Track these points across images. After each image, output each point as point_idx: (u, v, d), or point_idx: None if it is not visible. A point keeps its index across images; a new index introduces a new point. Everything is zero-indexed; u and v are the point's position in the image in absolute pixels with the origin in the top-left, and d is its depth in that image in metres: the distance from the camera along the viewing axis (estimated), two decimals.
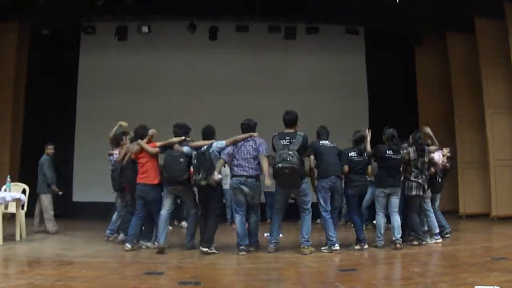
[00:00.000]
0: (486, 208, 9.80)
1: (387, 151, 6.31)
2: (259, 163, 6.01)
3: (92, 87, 11.10)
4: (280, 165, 5.62)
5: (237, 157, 6.02)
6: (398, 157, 6.34)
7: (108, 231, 7.01)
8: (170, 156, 6.05)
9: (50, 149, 8.09)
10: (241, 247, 5.98)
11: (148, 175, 6.21)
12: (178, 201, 6.60)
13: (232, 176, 6.08)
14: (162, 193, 6.23)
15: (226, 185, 9.34)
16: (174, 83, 11.37)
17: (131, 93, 11.14)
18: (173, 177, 5.98)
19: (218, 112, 11.04)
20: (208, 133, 6.22)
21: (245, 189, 5.97)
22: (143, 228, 6.47)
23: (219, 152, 6.04)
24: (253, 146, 6.03)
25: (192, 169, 6.01)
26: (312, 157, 6.15)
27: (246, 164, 5.97)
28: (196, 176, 5.84)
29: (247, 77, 11.46)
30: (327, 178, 6.06)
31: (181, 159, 5.98)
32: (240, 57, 11.44)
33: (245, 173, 5.96)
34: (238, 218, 6.11)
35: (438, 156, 7.07)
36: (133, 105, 11.03)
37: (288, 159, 5.60)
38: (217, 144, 6.07)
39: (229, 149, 6.06)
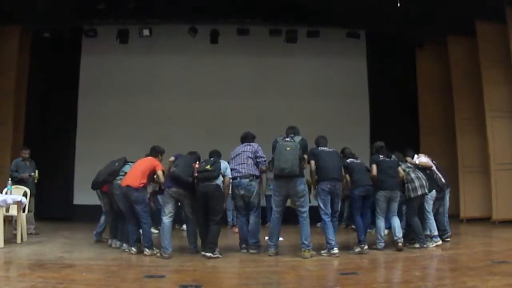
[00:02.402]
0: (486, 212, 9.79)
1: (380, 156, 6.58)
2: (255, 165, 6.33)
3: (93, 90, 11.10)
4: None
5: (233, 162, 6.37)
6: (391, 158, 6.60)
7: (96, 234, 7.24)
8: (185, 160, 6.20)
9: (21, 151, 8.24)
10: (242, 245, 6.30)
11: (133, 178, 6.10)
12: (179, 203, 6.56)
13: (232, 179, 6.34)
14: (161, 199, 6.15)
15: None
16: (175, 86, 11.37)
17: (132, 96, 11.16)
18: (180, 176, 5.95)
19: (219, 115, 11.08)
20: (214, 155, 6.35)
21: (241, 190, 6.23)
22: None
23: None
24: (250, 151, 6.38)
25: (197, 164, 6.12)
26: (312, 162, 6.20)
27: (239, 167, 6.29)
28: (200, 165, 6.00)
29: (248, 80, 11.46)
30: (326, 181, 6.11)
31: (192, 165, 6.11)
32: (241, 60, 11.43)
33: (238, 174, 6.26)
34: (240, 220, 6.43)
35: (426, 159, 7.27)
36: (135, 108, 11.06)
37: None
38: (226, 166, 6.22)
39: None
